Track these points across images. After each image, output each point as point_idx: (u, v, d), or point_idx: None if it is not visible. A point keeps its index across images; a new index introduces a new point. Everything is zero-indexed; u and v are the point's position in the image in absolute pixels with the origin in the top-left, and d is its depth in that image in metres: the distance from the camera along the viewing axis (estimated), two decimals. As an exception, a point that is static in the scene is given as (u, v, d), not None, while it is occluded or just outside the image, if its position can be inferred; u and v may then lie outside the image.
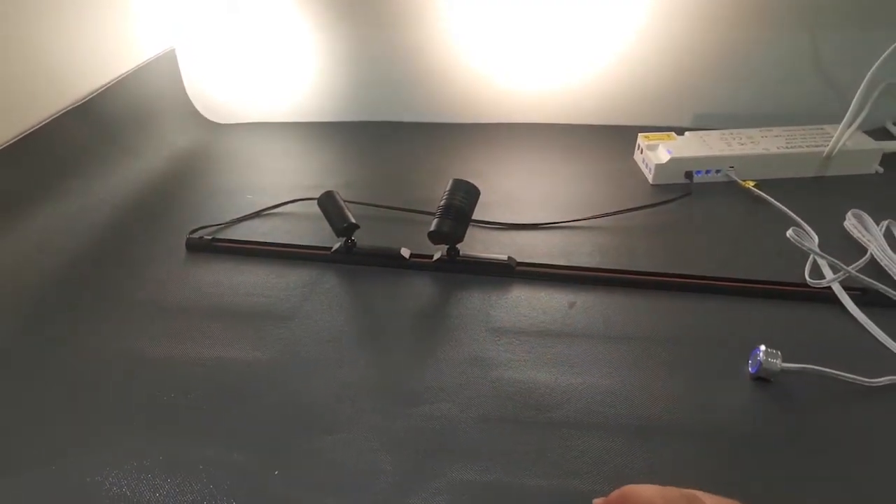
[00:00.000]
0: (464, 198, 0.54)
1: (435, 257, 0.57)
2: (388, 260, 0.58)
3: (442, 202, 0.54)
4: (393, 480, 0.38)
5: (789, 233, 0.51)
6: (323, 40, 0.82)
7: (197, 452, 0.41)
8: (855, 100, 0.64)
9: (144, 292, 0.56)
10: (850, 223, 0.58)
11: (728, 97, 0.78)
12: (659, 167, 0.68)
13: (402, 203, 0.65)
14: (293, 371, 0.47)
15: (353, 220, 0.56)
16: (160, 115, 0.82)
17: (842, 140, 0.66)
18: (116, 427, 0.43)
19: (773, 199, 0.62)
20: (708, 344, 0.47)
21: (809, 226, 0.58)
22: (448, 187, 0.55)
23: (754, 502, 0.32)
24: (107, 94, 0.74)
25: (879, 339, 0.46)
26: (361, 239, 0.58)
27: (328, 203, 0.57)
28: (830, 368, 0.42)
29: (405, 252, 0.57)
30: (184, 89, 0.87)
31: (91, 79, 0.73)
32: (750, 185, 0.65)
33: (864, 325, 0.48)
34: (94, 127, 0.72)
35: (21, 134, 0.63)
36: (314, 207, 0.58)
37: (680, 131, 0.72)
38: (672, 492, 0.31)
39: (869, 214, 0.57)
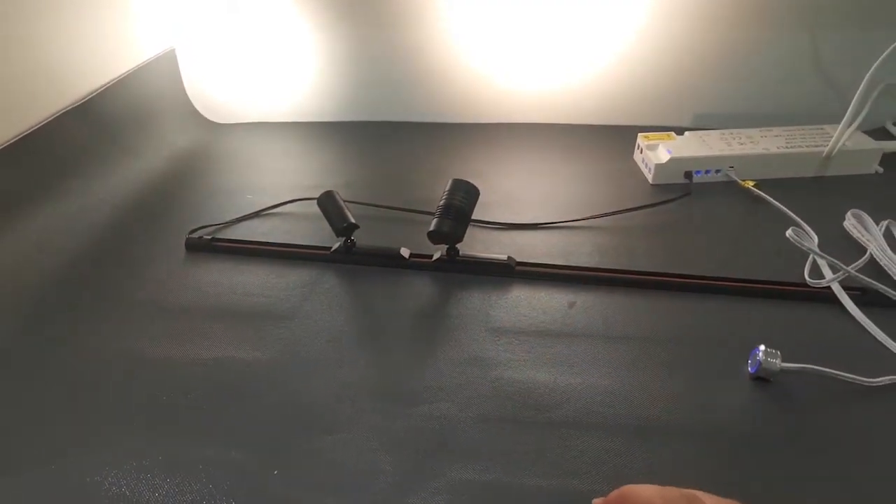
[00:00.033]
0: (464, 198, 0.54)
1: (435, 257, 0.57)
2: (387, 260, 0.58)
3: (442, 202, 0.54)
4: (392, 480, 0.38)
5: (789, 233, 0.51)
6: (323, 40, 0.82)
7: (197, 452, 0.41)
8: (854, 100, 0.64)
9: (144, 292, 0.56)
10: (849, 223, 0.58)
11: (728, 97, 0.78)
12: (659, 167, 0.68)
13: (402, 203, 0.65)
14: (293, 371, 0.47)
15: (352, 220, 0.56)
16: (160, 115, 0.82)
17: (841, 140, 0.66)
18: (116, 427, 0.43)
19: (772, 199, 0.62)
20: (707, 344, 0.47)
21: (809, 226, 0.58)
22: (448, 187, 0.55)
23: (754, 502, 0.32)
24: (107, 94, 0.74)
25: (879, 338, 0.46)
26: (361, 239, 0.58)
27: (328, 203, 0.57)
28: (830, 368, 0.42)
29: (405, 252, 0.57)
30: (184, 89, 0.87)
31: (91, 79, 0.73)
32: (750, 184, 0.65)
33: (864, 324, 0.48)
34: (94, 127, 0.72)
35: (21, 134, 0.63)
36: (314, 207, 0.58)
37: (680, 131, 0.72)
38: (671, 492, 0.30)
39: (869, 214, 0.57)
